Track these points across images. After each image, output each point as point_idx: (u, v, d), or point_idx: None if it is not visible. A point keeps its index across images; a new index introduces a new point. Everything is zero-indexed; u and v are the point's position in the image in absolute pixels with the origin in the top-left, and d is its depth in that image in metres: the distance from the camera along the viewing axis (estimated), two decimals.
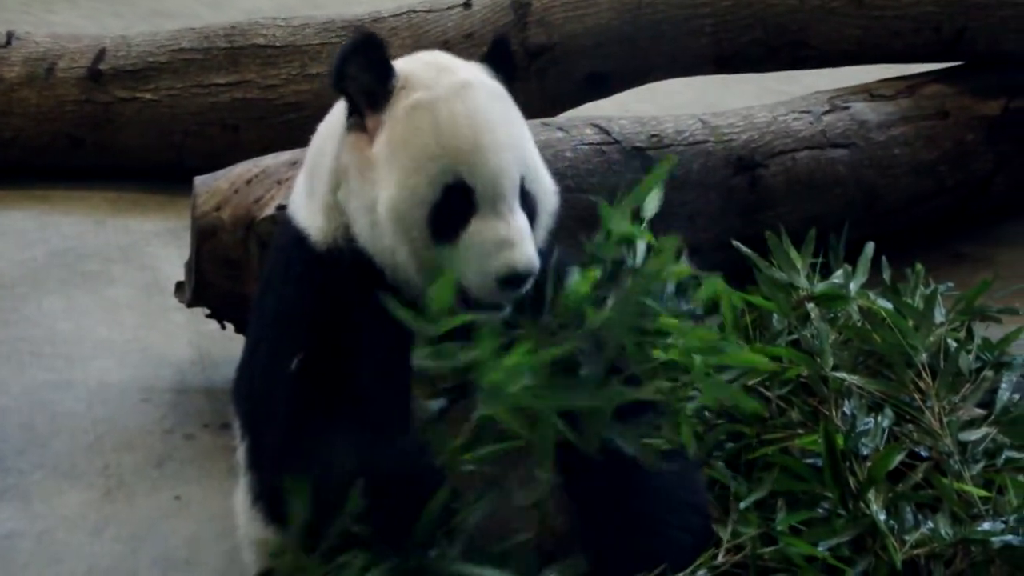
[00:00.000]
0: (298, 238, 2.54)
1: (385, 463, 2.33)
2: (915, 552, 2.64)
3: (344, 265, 2.46)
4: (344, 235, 2.48)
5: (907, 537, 2.66)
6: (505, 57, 2.58)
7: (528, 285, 2.37)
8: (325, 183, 2.51)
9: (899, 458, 2.81)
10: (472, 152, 2.38)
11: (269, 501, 2.53)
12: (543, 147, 2.68)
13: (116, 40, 5.04)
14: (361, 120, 2.46)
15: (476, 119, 2.40)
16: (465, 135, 2.38)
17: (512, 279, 2.34)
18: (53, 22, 6.45)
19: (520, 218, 2.40)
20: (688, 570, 2.52)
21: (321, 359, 2.42)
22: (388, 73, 2.44)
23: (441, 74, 2.47)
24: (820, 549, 2.61)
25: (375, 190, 2.40)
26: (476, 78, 2.47)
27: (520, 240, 2.36)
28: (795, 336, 3.23)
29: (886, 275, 3.54)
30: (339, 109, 2.54)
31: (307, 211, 2.56)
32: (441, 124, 2.39)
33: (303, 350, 2.45)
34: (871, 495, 2.70)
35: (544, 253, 2.46)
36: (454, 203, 2.38)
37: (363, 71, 2.42)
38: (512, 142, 2.44)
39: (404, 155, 2.40)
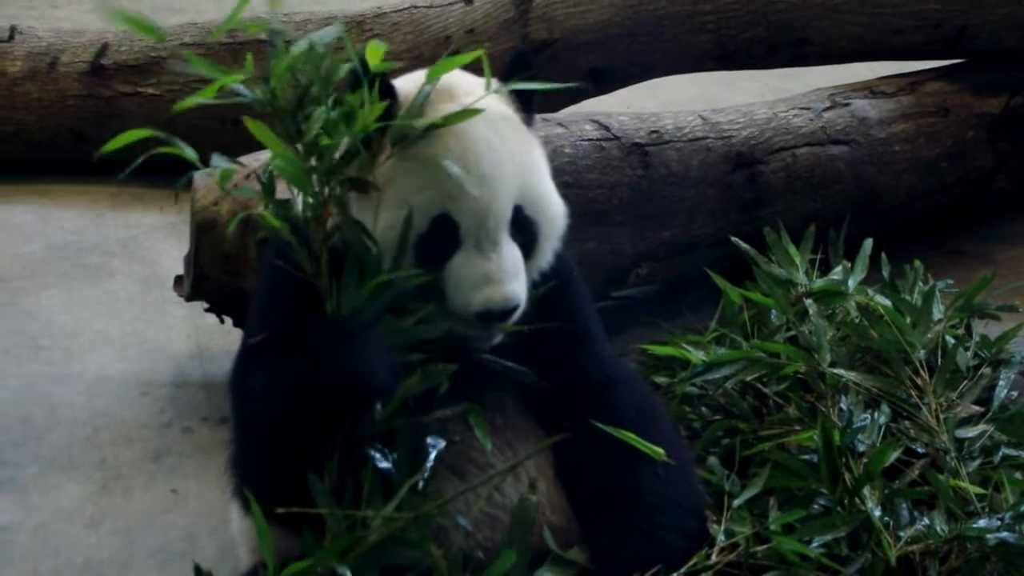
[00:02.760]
0: None
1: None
2: (910, 549, 2.64)
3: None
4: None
5: (902, 534, 2.66)
6: (528, 65, 2.53)
7: (512, 319, 2.42)
8: None
9: (895, 455, 2.82)
10: (458, 188, 2.36)
11: (242, 492, 2.55)
12: (542, 143, 2.67)
13: (119, 35, 5.03)
14: (368, 141, 2.42)
15: (467, 153, 2.39)
16: (453, 171, 2.35)
17: (488, 316, 2.39)
18: (56, 17, 6.48)
19: (506, 254, 2.41)
20: (682, 571, 2.51)
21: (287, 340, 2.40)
22: (390, 96, 2.41)
23: (441, 100, 2.44)
24: (814, 546, 2.60)
25: (374, 210, 2.40)
26: (478, 103, 2.41)
27: (500, 278, 2.38)
28: (793, 332, 3.24)
29: (885, 272, 3.54)
30: None
31: None
32: (432, 156, 2.38)
33: (270, 329, 2.46)
34: (867, 491, 2.70)
35: (546, 274, 2.52)
36: (440, 235, 2.40)
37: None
38: (506, 174, 2.42)
39: (399, 181, 2.40)
